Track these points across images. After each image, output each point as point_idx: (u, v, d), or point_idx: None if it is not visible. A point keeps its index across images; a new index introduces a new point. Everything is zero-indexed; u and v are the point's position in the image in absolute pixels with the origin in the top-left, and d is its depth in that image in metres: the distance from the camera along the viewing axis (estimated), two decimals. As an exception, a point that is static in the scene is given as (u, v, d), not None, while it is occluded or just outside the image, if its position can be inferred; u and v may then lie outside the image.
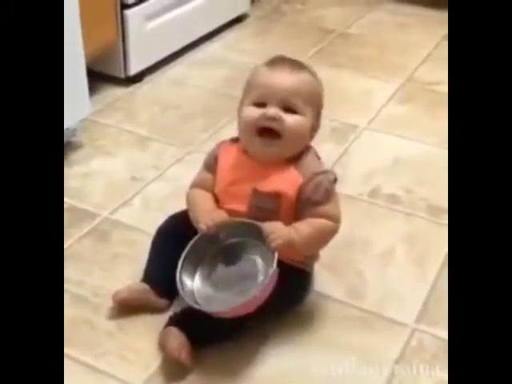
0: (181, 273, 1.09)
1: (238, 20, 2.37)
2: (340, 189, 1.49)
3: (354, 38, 2.32)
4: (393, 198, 1.50)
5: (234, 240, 1.12)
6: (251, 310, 1.04)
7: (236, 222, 1.11)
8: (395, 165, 1.62)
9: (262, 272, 1.07)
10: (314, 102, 1.14)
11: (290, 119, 1.10)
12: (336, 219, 1.13)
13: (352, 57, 2.17)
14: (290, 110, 1.10)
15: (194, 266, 1.11)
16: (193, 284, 1.11)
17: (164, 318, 1.13)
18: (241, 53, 2.15)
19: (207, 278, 1.12)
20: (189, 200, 1.18)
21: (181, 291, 1.07)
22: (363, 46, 2.25)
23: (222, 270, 1.12)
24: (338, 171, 1.56)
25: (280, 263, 1.06)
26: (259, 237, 1.07)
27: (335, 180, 1.14)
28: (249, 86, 1.15)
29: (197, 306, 1.05)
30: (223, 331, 1.10)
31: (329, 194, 1.12)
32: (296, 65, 1.15)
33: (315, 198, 1.10)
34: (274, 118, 1.09)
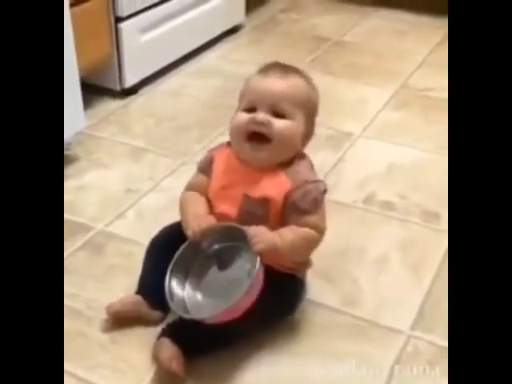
0: (170, 282, 1.09)
1: (233, 30, 2.39)
2: (335, 196, 1.51)
3: (349, 45, 2.33)
4: (387, 205, 1.50)
5: (221, 245, 1.12)
6: (238, 315, 1.04)
7: (222, 226, 1.11)
8: (390, 171, 1.62)
9: (248, 276, 1.06)
10: (305, 108, 1.14)
11: (278, 123, 1.10)
12: (321, 230, 1.12)
13: (347, 64, 2.18)
14: (279, 114, 1.11)
15: (183, 274, 1.11)
16: (183, 293, 1.10)
17: (158, 330, 1.13)
18: (236, 63, 2.16)
19: (197, 285, 1.11)
20: (181, 203, 1.18)
21: (169, 301, 1.07)
22: (358, 54, 2.26)
23: (211, 276, 1.12)
24: (333, 179, 1.59)
25: (270, 269, 1.05)
26: (245, 241, 1.07)
27: (325, 191, 1.13)
28: (242, 94, 1.16)
29: (186, 316, 1.05)
30: (216, 341, 1.10)
31: (317, 204, 1.11)
32: (288, 70, 1.15)
33: (302, 206, 1.10)
34: (262, 123, 1.09)
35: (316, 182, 1.13)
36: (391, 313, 1.22)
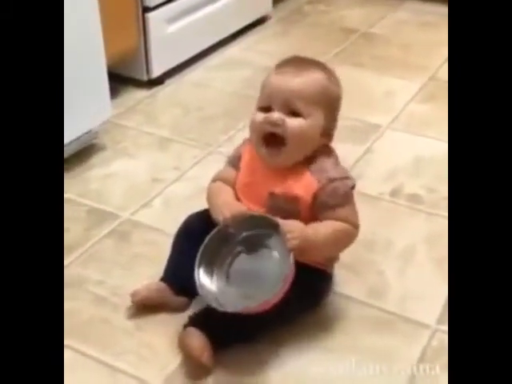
0: (199, 269, 1.09)
1: (260, 22, 2.37)
2: (361, 188, 1.49)
3: (376, 37, 2.31)
4: (414, 198, 1.48)
5: (250, 233, 1.11)
6: (270, 307, 1.03)
7: (254, 215, 1.10)
8: (417, 164, 1.60)
9: (277, 269, 1.05)
10: (323, 103, 1.11)
11: (293, 123, 1.08)
12: (354, 224, 1.11)
13: (375, 56, 2.16)
14: (294, 113, 1.09)
15: (211, 261, 1.11)
16: (211, 281, 1.10)
17: (182, 317, 1.13)
18: (262, 54, 2.15)
19: (225, 273, 1.11)
20: (210, 192, 1.17)
21: (200, 292, 1.07)
22: (386, 46, 2.24)
23: (239, 264, 1.11)
24: (360, 171, 1.57)
25: (300, 265, 1.04)
26: (276, 230, 1.06)
27: (353, 187, 1.12)
28: (260, 90, 1.15)
29: (219, 308, 1.04)
30: (243, 333, 1.09)
31: (347, 198, 1.10)
32: (305, 65, 1.13)
33: (332, 203, 1.09)
34: (276, 123, 1.08)
35: (343, 178, 1.11)
36: (417, 306, 1.20)
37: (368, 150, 1.67)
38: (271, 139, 1.09)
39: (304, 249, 1.05)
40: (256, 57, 2.15)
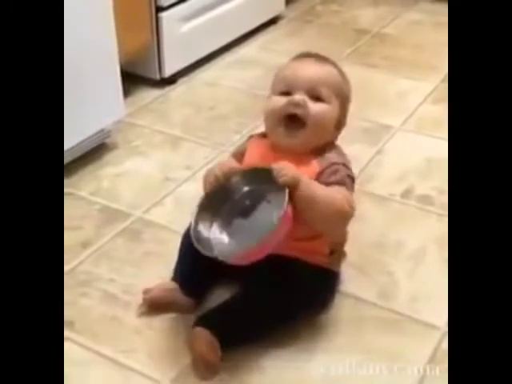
0: (196, 225, 1.08)
1: (273, 21, 2.38)
2: (372, 189, 1.50)
3: (389, 38, 2.30)
4: (425, 199, 1.48)
5: (250, 188, 1.10)
6: (265, 253, 1.02)
7: (248, 169, 1.10)
8: (429, 165, 1.60)
9: (275, 217, 1.03)
10: (339, 95, 1.14)
11: (315, 106, 1.10)
12: (351, 205, 1.08)
13: (387, 57, 2.15)
14: (315, 98, 1.11)
15: (210, 217, 1.10)
16: (209, 234, 1.09)
17: (192, 317, 1.14)
18: (275, 54, 2.15)
19: (225, 228, 1.10)
20: (205, 176, 1.15)
21: (195, 242, 1.05)
22: (398, 47, 2.23)
23: (239, 219, 1.10)
24: (371, 172, 1.57)
25: (305, 262, 1.05)
26: (272, 180, 1.04)
27: (353, 179, 1.13)
28: (275, 79, 1.16)
29: (213, 254, 1.04)
30: (250, 332, 1.10)
31: (344, 182, 1.09)
32: (322, 58, 1.16)
33: (330, 180, 1.09)
34: (299, 104, 1.09)
35: (345, 165, 1.12)
36: (427, 308, 1.20)
37: (379, 151, 1.66)
38: (291, 123, 1.10)
39: (297, 188, 1.02)
40: (268, 56, 2.15)
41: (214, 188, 1.11)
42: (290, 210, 1.02)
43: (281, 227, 1.01)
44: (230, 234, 1.09)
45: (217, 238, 1.09)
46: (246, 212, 1.10)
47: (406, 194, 1.51)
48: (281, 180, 1.02)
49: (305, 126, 1.10)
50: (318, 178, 1.09)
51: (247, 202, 1.10)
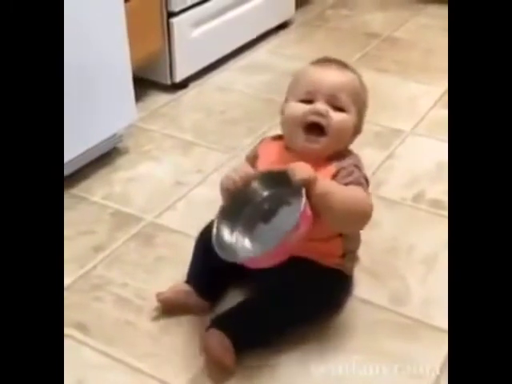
0: (218, 231, 1.08)
1: (283, 26, 2.38)
2: (383, 193, 1.50)
3: (399, 42, 2.31)
4: (437, 203, 1.48)
5: (270, 192, 1.10)
6: (286, 255, 1.02)
7: (264, 172, 1.10)
8: (440, 170, 1.59)
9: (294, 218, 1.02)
10: (358, 102, 1.14)
11: (336, 116, 1.11)
12: (370, 203, 1.08)
13: (397, 61, 2.16)
14: (336, 107, 1.11)
15: (232, 223, 1.10)
16: (232, 240, 1.09)
17: (206, 319, 1.15)
18: (285, 58, 2.16)
19: (247, 233, 1.10)
20: (222, 179, 1.14)
21: (217, 249, 1.05)
22: (409, 51, 2.23)
23: (261, 224, 1.10)
24: (382, 176, 1.58)
25: (317, 265, 1.05)
26: (290, 182, 1.04)
27: (367, 182, 1.13)
28: (295, 84, 1.16)
29: (234, 260, 1.04)
30: (264, 335, 1.10)
31: (360, 183, 1.09)
32: (342, 64, 1.16)
33: (347, 181, 1.09)
34: (322, 114, 1.09)
35: (359, 168, 1.12)
36: (439, 312, 1.20)
37: (391, 155, 1.67)
38: (311, 129, 1.11)
39: (313, 186, 1.02)
40: (278, 61, 2.15)
41: (233, 194, 1.10)
42: (308, 209, 1.02)
43: (300, 227, 1.01)
44: (252, 240, 1.09)
45: (239, 244, 1.09)
46: (266, 216, 1.10)
47: (418, 198, 1.51)
48: (296, 178, 1.02)
49: (325, 134, 1.10)
50: (333, 179, 1.10)
51: (266, 207, 1.10)
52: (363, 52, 2.22)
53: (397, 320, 1.19)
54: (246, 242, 1.09)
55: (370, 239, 1.33)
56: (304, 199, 1.01)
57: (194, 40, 1.98)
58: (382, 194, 1.50)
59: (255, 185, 1.11)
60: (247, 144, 1.70)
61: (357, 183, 1.09)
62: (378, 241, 1.36)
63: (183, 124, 1.84)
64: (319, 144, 1.11)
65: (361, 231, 1.20)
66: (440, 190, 1.52)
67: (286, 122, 1.14)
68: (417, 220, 1.45)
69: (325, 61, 1.17)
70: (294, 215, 1.01)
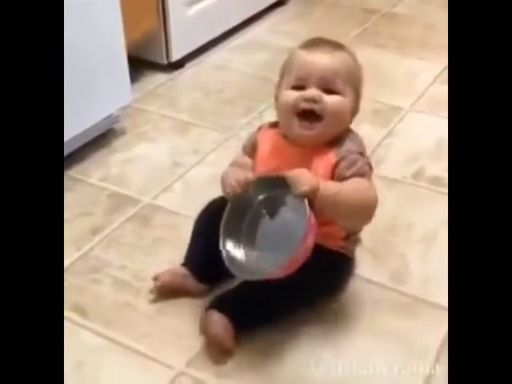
0: (225, 246, 1.07)
1: (280, 3, 2.35)
2: (383, 171, 1.49)
3: (398, 18, 2.28)
4: (437, 181, 1.47)
5: (265, 195, 1.08)
6: (299, 265, 1.01)
7: (262, 177, 1.08)
8: (440, 146, 1.58)
9: (298, 223, 1.01)
10: (353, 83, 1.11)
11: (330, 100, 1.08)
12: (374, 193, 1.06)
13: (396, 37, 2.13)
14: (329, 90, 1.08)
15: (236, 233, 1.09)
16: (240, 253, 1.08)
17: (204, 301, 1.14)
18: (283, 36, 2.13)
19: (251, 242, 1.09)
20: (223, 176, 1.13)
21: (229, 266, 1.05)
22: (408, 26, 2.21)
23: (263, 230, 1.09)
24: (381, 153, 1.56)
25: (321, 249, 1.04)
26: (288, 187, 1.02)
27: (371, 168, 1.10)
28: (285, 70, 1.13)
29: (250, 277, 1.04)
30: (265, 315, 1.10)
31: (363, 173, 1.07)
32: (333, 45, 1.13)
33: (348, 173, 1.06)
34: (314, 99, 1.07)
35: (362, 154, 1.10)
36: (439, 290, 1.19)
37: (390, 133, 1.65)
38: (305, 116, 1.08)
39: (315, 197, 1.00)
40: (276, 39, 2.13)
41: (233, 202, 1.09)
42: (312, 218, 1.00)
43: (307, 238, 1.00)
44: (259, 248, 1.08)
45: (248, 255, 1.08)
46: (266, 221, 1.08)
47: (418, 175, 1.49)
48: (299, 191, 1.00)
49: (320, 119, 1.08)
50: (334, 169, 1.07)
51: (266, 212, 1.08)
52: (362, 28, 2.19)
53: (397, 298, 1.19)
54: (253, 253, 1.08)
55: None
56: (307, 210, 0.99)
57: (189, 19, 1.95)
58: (381, 172, 1.48)
59: (253, 190, 1.08)
60: (245, 123, 1.68)
61: (359, 174, 1.06)
62: (378, 219, 1.33)
63: (180, 104, 1.82)
64: (314, 130, 1.08)
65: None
66: (440, 167, 1.51)
67: (280, 110, 1.12)
68: (417, 198, 1.43)
69: (314, 43, 1.13)
70: (298, 227, 1.00)
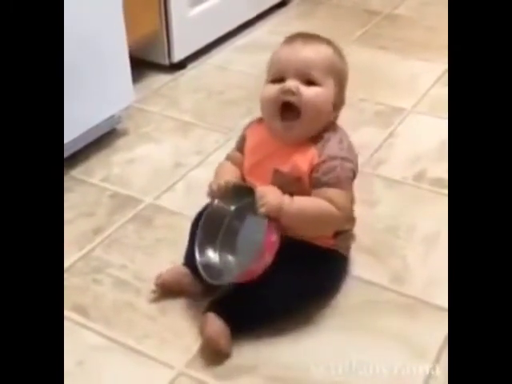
0: (202, 253, 1.11)
1: (283, 3, 2.35)
2: (384, 172, 1.49)
3: (400, 19, 2.28)
4: (438, 182, 1.47)
5: (239, 204, 1.12)
6: (257, 275, 1.06)
7: (236, 184, 1.12)
8: (442, 148, 1.58)
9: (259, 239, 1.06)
10: (334, 75, 1.10)
11: (309, 91, 1.07)
12: (339, 206, 1.07)
13: (399, 38, 2.13)
14: (309, 82, 1.08)
15: (213, 240, 1.13)
16: (216, 259, 1.13)
17: (205, 301, 1.14)
18: (285, 37, 2.12)
19: (227, 248, 1.13)
20: (215, 171, 1.19)
21: (202, 271, 1.09)
22: (410, 28, 2.21)
23: (236, 236, 1.13)
24: (383, 155, 1.56)
25: (310, 245, 1.05)
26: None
27: (354, 173, 1.11)
28: (268, 65, 1.14)
29: (214, 281, 1.08)
30: (261, 317, 1.10)
31: (339, 181, 1.08)
32: (313, 38, 1.13)
33: (323, 180, 1.07)
34: (291, 91, 1.07)
35: (344, 159, 1.09)
36: (440, 292, 1.19)
37: (391, 134, 1.65)
38: (286, 112, 1.08)
39: (277, 217, 1.04)
40: (279, 39, 2.10)
41: (208, 212, 1.14)
42: (272, 236, 1.05)
43: (264, 254, 1.05)
44: (233, 254, 1.12)
45: (223, 261, 1.12)
46: (243, 228, 1.13)
47: (419, 177, 1.49)
48: (262, 210, 1.03)
49: (299, 115, 1.08)
50: (313, 170, 1.08)
51: (236, 221, 1.13)
52: (364, 30, 2.19)
53: (397, 299, 1.19)
54: (230, 258, 1.13)
55: (371, 219, 1.33)
56: (265, 229, 1.03)
57: (191, 19, 1.96)
58: (382, 173, 1.49)
59: (228, 197, 1.13)
60: (246, 124, 1.68)
61: (332, 184, 1.07)
62: (379, 220, 1.35)
63: (182, 105, 1.82)
64: (295, 130, 1.09)
65: (361, 211, 1.20)
66: (442, 168, 1.51)
67: (262, 105, 1.12)
68: (418, 199, 1.43)
69: (295, 36, 1.14)
70: (260, 232, 1.04)
